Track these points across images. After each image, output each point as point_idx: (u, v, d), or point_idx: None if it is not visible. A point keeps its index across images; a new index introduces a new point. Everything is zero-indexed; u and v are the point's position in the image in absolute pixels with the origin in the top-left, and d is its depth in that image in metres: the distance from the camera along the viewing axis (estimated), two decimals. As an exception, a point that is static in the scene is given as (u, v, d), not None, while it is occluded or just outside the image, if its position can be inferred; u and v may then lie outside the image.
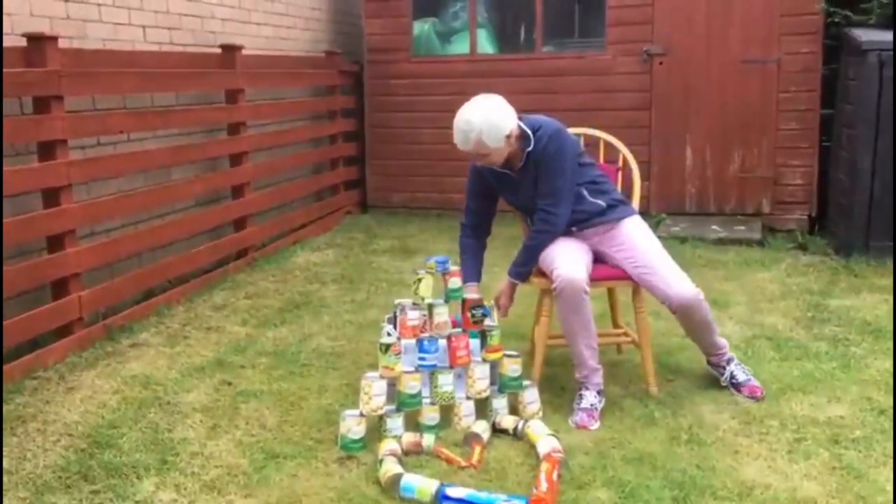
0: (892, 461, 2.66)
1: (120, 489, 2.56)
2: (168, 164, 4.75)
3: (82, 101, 4.15)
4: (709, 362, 3.30)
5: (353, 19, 7.39)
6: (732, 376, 3.20)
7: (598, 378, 3.07)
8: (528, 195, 3.11)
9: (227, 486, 2.58)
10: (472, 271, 3.20)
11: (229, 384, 3.38)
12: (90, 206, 4.03)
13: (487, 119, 2.95)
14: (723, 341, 3.26)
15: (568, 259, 2.99)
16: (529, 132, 3.03)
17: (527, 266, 3.14)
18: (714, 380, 3.31)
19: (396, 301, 3.17)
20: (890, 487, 2.50)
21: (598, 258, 3.15)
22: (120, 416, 3.08)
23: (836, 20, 5.80)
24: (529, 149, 3.03)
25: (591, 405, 3.00)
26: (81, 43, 4.23)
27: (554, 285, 2.96)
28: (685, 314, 3.09)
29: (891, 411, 3.02)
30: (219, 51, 5.20)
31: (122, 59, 4.35)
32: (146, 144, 4.63)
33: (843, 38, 5.54)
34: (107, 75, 4.15)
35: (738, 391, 3.17)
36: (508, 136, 2.97)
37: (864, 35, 5.15)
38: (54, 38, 3.73)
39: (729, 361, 3.23)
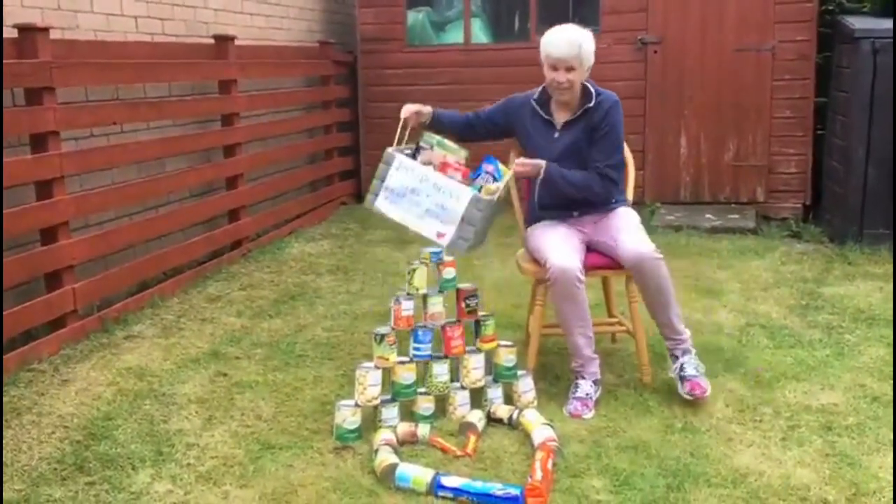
0: (884, 448, 2.68)
1: (115, 480, 2.57)
2: (162, 156, 4.73)
3: (75, 92, 4.13)
4: (667, 348, 3.16)
5: (347, 9, 7.36)
6: (682, 368, 3.05)
7: (595, 367, 3.08)
8: (560, 151, 3.11)
9: (223, 476, 2.59)
10: (443, 113, 3.31)
11: (224, 375, 3.38)
12: (83, 198, 4.02)
13: (590, 40, 3.09)
14: (683, 329, 3.12)
15: (560, 249, 3.01)
16: (593, 90, 3.13)
17: (560, 179, 3.08)
18: (708, 368, 3.31)
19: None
20: (882, 474, 2.52)
21: (590, 247, 3.16)
22: (115, 407, 3.08)
23: (830, 8, 5.81)
24: (590, 105, 3.10)
25: (587, 394, 3.01)
26: (73, 34, 4.21)
27: (547, 275, 2.97)
28: (640, 271, 2.99)
29: (884, 398, 3.04)
30: (211, 41, 5.18)
31: (114, 50, 4.33)
32: (139, 136, 4.62)
33: (837, 26, 5.54)
34: (99, 66, 4.13)
35: (681, 384, 3.01)
36: (590, 68, 3.09)
37: (858, 23, 5.15)
38: (46, 29, 3.71)
39: (684, 353, 3.08)
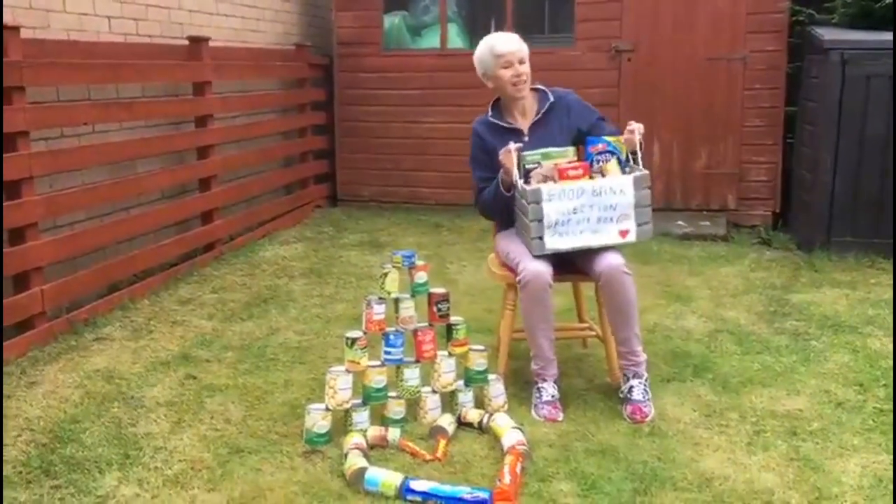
0: (847, 453, 2.72)
1: (82, 484, 2.54)
2: (134, 157, 4.70)
3: (46, 92, 4.09)
4: (620, 367, 3.12)
5: (324, 12, 7.35)
6: (630, 390, 3.02)
7: (554, 369, 3.10)
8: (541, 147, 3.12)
9: (191, 480, 2.58)
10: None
11: (194, 378, 3.36)
12: (53, 199, 3.98)
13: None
14: (641, 351, 3.07)
15: (531, 255, 3.01)
16: (545, 89, 3.22)
17: None
18: (676, 373, 3.36)
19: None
20: (845, 478, 2.56)
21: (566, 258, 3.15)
22: (82, 410, 3.05)
23: (801, 19, 5.90)
24: (551, 100, 3.17)
25: (553, 396, 3.03)
26: (44, 33, 4.17)
27: (519, 277, 2.98)
28: (608, 284, 2.96)
29: (847, 403, 3.09)
30: (186, 42, 5.15)
31: (86, 50, 4.29)
32: (111, 136, 4.58)
33: (807, 37, 5.63)
34: (70, 66, 4.09)
35: (625, 406, 3.00)
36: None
37: (827, 34, 5.24)
38: (16, 28, 3.67)
39: (635, 375, 3.04)
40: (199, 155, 5.20)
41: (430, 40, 6.80)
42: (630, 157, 3.06)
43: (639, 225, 2.96)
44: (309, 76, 6.78)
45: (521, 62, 3.13)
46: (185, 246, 4.99)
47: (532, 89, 3.22)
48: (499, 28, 6.76)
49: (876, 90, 4.98)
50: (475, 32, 6.98)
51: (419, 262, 3.05)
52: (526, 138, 3.17)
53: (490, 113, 3.26)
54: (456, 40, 6.76)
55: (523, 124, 3.21)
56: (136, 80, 4.72)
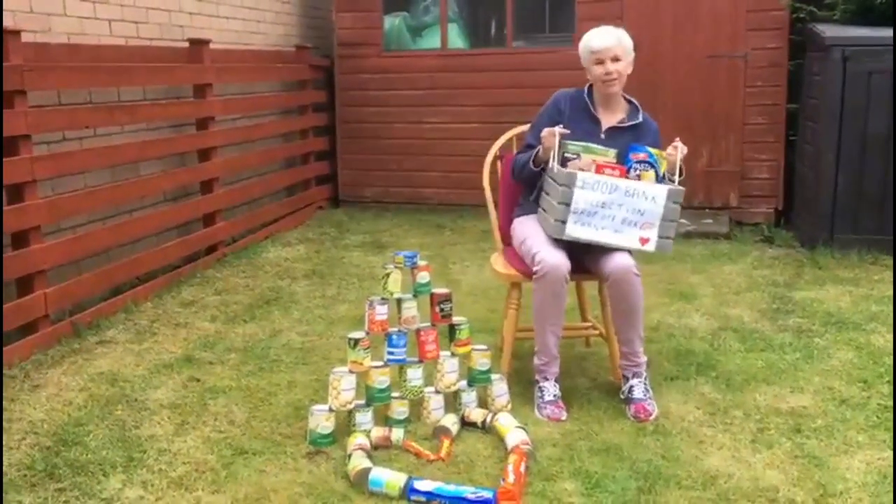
0: (852, 449, 2.72)
1: (86, 487, 2.54)
2: (135, 160, 4.70)
3: (48, 95, 4.10)
4: (620, 366, 3.14)
5: (324, 13, 7.35)
6: (631, 390, 3.04)
7: (556, 367, 3.09)
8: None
9: (195, 482, 2.58)
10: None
11: (198, 381, 3.37)
12: (56, 202, 3.98)
13: (627, 35, 3.18)
14: (642, 353, 3.08)
15: (550, 246, 2.99)
16: (637, 105, 3.21)
17: None
18: (680, 371, 3.36)
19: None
20: (850, 475, 2.56)
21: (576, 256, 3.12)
22: (86, 413, 3.05)
23: (802, 16, 5.88)
24: (639, 120, 3.16)
25: (555, 395, 3.03)
26: (46, 37, 4.17)
27: (535, 268, 2.96)
28: (618, 284, 2.95)
29: (851, 400, 3.08)
30: (186, 45, 5.16)
31: (87, 54, 4.30)
32: (113, 140, 4.59)
33: (808, 34, 5.62)
34: (72, 70, 4.10)
35: (628, 406, 3.00)
36: (631, 63, 3.15)
37: (829, 31, 5.23)
38: (17, 33, 3.68)
39: (635, 375, 3.05)
40: (200, 157, 5.20)
41: (431, 41, 6.80)
42: (667, 175, 3.04)
43: (660, 237, 2.94)
44: (310, 78, 6.78)
45: (615, 60, 3.09)
46: (187, 248, 4.99)
47: (624, 97, 3.19)
48: (499, 28, 6.78)
49: (877, 87, 4.97)
50: (476, 33, 6.99)
51: (421, 263, 3.05)
52: (602, 136, 3.15)
53: (586, 91, 3.23)
54: (456, 41, 6.76)
55: (605, 120, 3.18)
56: (138, 83, 4.73)
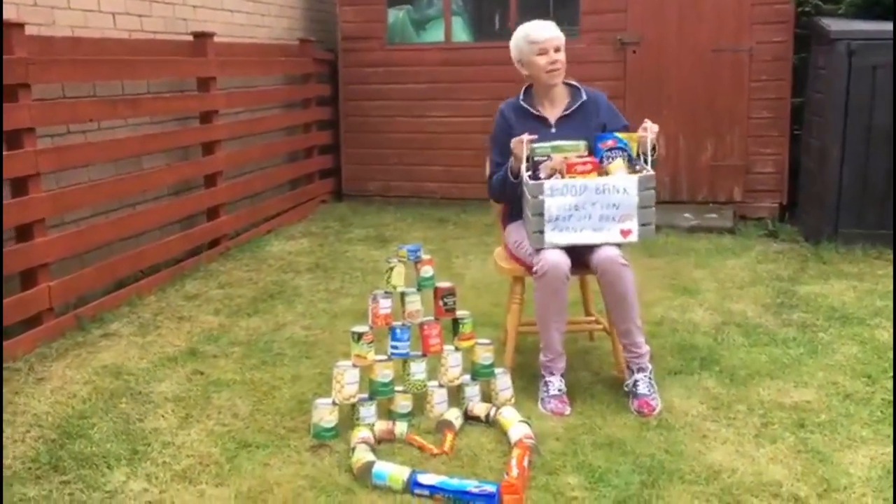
0: (856, 444, 2.72)
1: (90, 479, 2.55)
2: (139, 153, 4.71)
3: (52, 88, 4.10)
4: (624, 359, 3.13)
5: (328, 7, 7.34)
6: (635, 384, 3.01)
7: (562, 363, 3.09)
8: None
9: (199, 475, 2.58)
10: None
11: (201, 374, 3.37)
12: (59, 196, 3.99)
13: None
14: (643, 343, 3.06)
15: None
16: (577, 85, 3.21)
17: None
18: (683, 366, 3.35)
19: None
20: (853, 470, 2.55)
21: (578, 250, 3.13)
22: (90, 406, 3.06)
23: (807, 10, 5.87)
24: (583, 99, 3.17)
25: (560, 390, 3.03)
26: (50, 30, 4.17)
27: (535, 268, 2.97)
28: (604, 275, 2.96)
29: (856, 395, 3.08)
30: (190, 38, 5.15)
31: (91, 47, 4.30)
32: (117, 133, 4.59)
33: (813, 28, 5.60)
34: (76, 63, 4.10)
35: (632, 400, 2.99)
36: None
37: (834, 25, 5.21)
38: (21, 26, 3.68)
39: (640, 369, 3.03)
40: (204, 151, 5.21)
41: (435, 34, 6.79)
42: (641, 155, 3.03)
43: (641, 225, 2.95)
44: (314, 71, 6.77)
45: (557, 50, 3.12)
46: (190, 242, 5.00)
47: (565, 83, 3.21)
48: (503, 21, 6.77)
49: (882, 81, 4.95)
50: (480, 26, 6.97)
51: (425, 257, 3.05)
52: (553, 129, 3.17)
53: (521, 97, 3.25)
54: (460, 34, 6.74)
55: (552, 115, 3.20)
56: (142, 76, 4.73)
